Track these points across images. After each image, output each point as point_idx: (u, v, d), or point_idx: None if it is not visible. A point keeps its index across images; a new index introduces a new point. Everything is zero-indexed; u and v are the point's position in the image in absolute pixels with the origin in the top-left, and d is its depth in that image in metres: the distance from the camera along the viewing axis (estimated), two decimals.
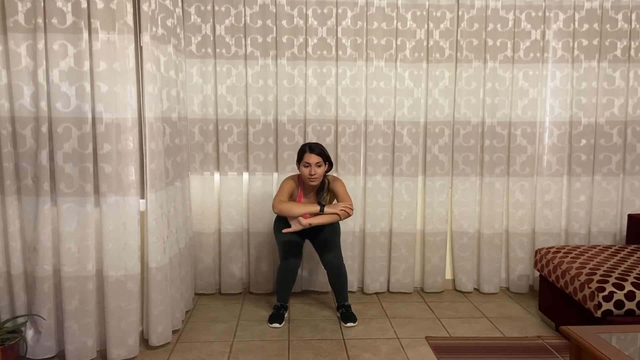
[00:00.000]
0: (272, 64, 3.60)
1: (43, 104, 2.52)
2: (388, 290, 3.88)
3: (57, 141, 2.55)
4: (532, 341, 3.00)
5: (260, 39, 3.57)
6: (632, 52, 3.68)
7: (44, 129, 2.53)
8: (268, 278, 3.78)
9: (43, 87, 2.51)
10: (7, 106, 2.57)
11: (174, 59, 3.09)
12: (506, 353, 2.83)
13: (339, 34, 3.59)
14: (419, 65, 3.65)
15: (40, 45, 2.49)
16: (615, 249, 3.29)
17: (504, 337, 3.08)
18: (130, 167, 2.62)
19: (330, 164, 3.22)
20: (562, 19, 3.65)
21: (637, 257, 3.09)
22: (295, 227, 3.13)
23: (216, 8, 3.53)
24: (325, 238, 3.28)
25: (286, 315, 3.38)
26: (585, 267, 2.90)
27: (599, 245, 3.41)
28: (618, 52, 3.67)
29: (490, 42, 3.65)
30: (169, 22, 2.97)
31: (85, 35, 2.52)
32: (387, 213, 3.77)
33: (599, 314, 2.65)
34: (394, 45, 3.63)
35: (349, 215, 3.15)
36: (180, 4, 3.25)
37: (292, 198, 3.25)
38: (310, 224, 3.11)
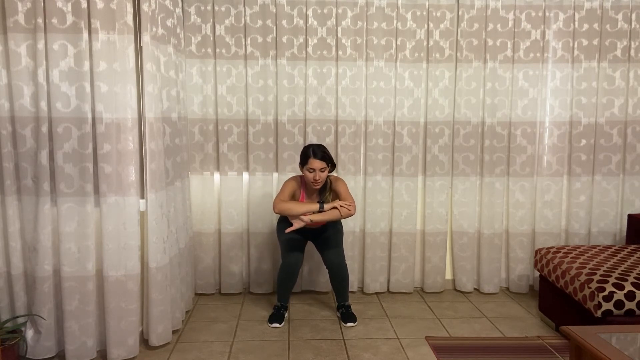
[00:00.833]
0: (272, 64, 3.60)
1: (43, 104, 2.52)
2: (388, 290, 3.88)
3: (57, 141, 2.55)
4: (532, 341, 3.00)
5: (260, 39, 3.57)
6: (632, 52, 3.68)
7: (44, 129, 2.53)
8: (268, 278, 3.78)
9: (43, 87, 2.51)
10: (7, 106, 2.57)
11: (174, 59, 3.09)
12: (506, 353, 2.83)
13: (339, 34, 3.59)
14: (419, 65, 3.65)
15: (40, 45, 2.49)
16: (615, 249, 3.29)
17: (504, 337, 3.08)
18: (130, 167, 2.62)
19: (333, 165, 3.21)
20: (562, 19, 3.65)
21: (637, 257, 3.09)
22: (297, 224, 3.12)
23: (216, 8, 3.53)
24: (328, 237, 3.28)
25: (286, 315, 3.38)
26: (585, 267, 2.90)
27: (599, 245, 3.41)
28: (618, 52, 3.67)
29: (490, 42, 3.65)
30: (169, 22, 2.97)
31: (85, 35, 2.52)
32: (387, 213, 3.77)
33: (599, 314, 2.65)
34: (394, 45, 3.63)
35: (350, 213, 3.13)
36: (180, 4, 3.25)
37: (294, 198, 3.24)
38: (311, 220, 3.10)
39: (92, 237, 2.63)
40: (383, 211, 3.75)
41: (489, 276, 3.83)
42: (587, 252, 3.21)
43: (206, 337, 3.06)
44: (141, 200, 2.75)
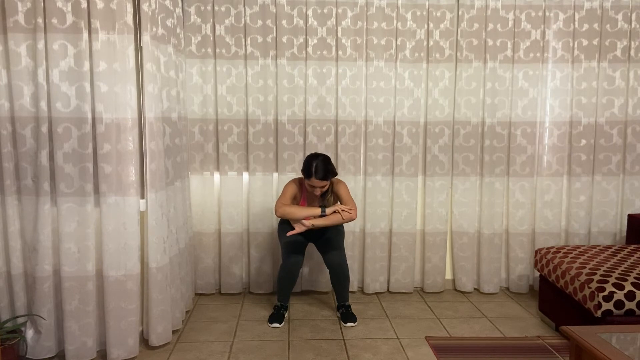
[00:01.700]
0: (272, 64, 3.60)
1: (43, 104, 2.52)
2: (388, 290, 3.88)
3: (57, 141, 2.55)
4: (532, 341, 3.00)
5: (260, 39, 3.57)
6: (632, 52, 3.68)
7: (44, 129, 2.53)
8: (268, 278, 3.78)
9: (43, 87, 2.51)
10: (7, 106, 2.57)
11: (174, 59, 3.09)
12: (506, 353, 2.83)
13: (339, 34, 3.59)
14: (419, 65, 3.65)
15: (40, 45, 2.49)
16: (615, 249, 3.29)
17: (504, 337, 3.08)
18: (130, 167, 2.62)
19: (335, 175, 3.19)
20: (562, 19, 3.65)
21: (637, 257, 3.09)
22: (298, 228, 3.13)
23: (216, 8, 3.53)
24: (329, 238, 3.29)
25: (286, 315, 3.38)
26: (585, 267, 2.90)
27: (599, 245, 3.40)
28: (618, 52, 3.67)
29: (490, 42, 3.65)
30: (169, 22, 2.97)
31: (85, 35, 2.52)
32: (387, 213, 3.77)
33: (599, 314, 2.65)
34: (394, 45, 3.63)
35: (351, 217, 3.13)
36: (180, 4, 3.25)
37: (295, 201, 3.25)
38: (313, 225, 3.11)
39: (92, 237, 2.63)
40: (383, 211, 3.75)
41: (489, 276, 3.83)
42: (587, 252, 3.21)
43: (206, 337, 3.06)
44: (141, 200, 2.75)
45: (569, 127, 3.75)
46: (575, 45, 3.67)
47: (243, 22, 3.56)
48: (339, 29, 3.58)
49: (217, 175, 3.72)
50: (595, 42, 3.65)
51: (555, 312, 3.15)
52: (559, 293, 3.10)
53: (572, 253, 3.20)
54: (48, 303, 2.64)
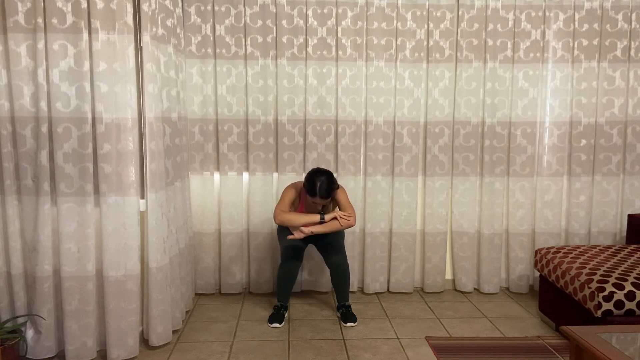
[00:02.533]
0: (272, 64, 3.60)
1: (43, 104, 2.52)
2: (388, 290, 3.88)
3: (57, 141, 2.55)
4: (532, 341, 3.00)
5: (260, 39, 3.57)
6: (632, 52, 3.68)
7: (44, 129, 2.53)
8: (268, 278, 3.78)
9: (43, 87, 2.51)
10: (7, 106, 2.57)
11: (174, 59, 3.09)
12: (506, 353, 2.83)
13: (339, 34, 3.59)
14: (419, 65, 3.65)
15: (40, 45, 2.49)
16: (615, 249, 3.29)
17: (504, 337, 3.08)
18: (130, 167, 2.62)
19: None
20: (562, 19, 3.65)
21: (637, 257, 3.09)
22: (297, 235, 3.16)
23: (216, 8, 3.53)
24: (330, 241, 3.30)
25: (286, 315, 3.38)
26: (585, 267, 2.89)
27: (599, 245, 3.40)
28: (618, 52, 3.67)
29: (490, 42, 3.65)
30: (169, 22, 2.97)
31: (85, 35, 2.52)
32: (387, 213, 3.77)
33: (599, 314, 2.65)
34: (394, 45, 3.63)
35: (349, 224, 3.16)
36: (180, 4, 3.25)
37: (293, 206, 3.26)
38: (312, 232, 3.13)
39: (92, 237, 2.63)
40: (383, 211, 3.75)
41: (489, 276, 3.83)
42: (587, 252, 3.20)
43: (206, 337, 3.06)
44: (141, 200, 2.75)
45: (569, 127, 3.75)
46: (575, 45, 3.67)
47: (243, 22, 3.56)
48: (339, 29, 3.58)
49: (217, 175, 3.72)
50: (595, 42, 3.65)
51: (555, 312, 3.15)
52: (559, 293, 3.10)
53: (572, 253, 3.20)
54: (48, 303, 2.64)
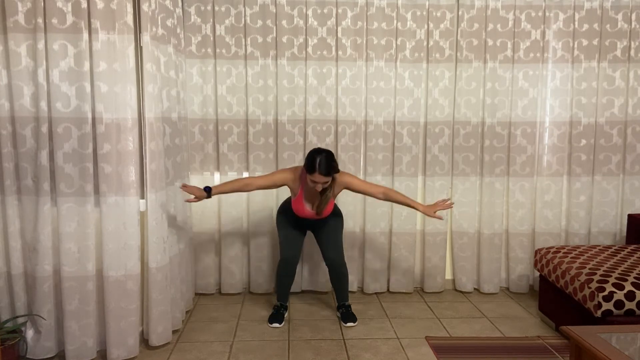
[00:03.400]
0: (272, 64, 3.60)
1: (43, 104, 2.52)
2: (388, 290, 3.88)
3: (57, 141, 2.55)
4: (532, 341, 3.00)
5: (260, 39, 3.57)
6: (632, 52, 3.68)
7: (44, 129, 2.53)
8: (268, 278, 3.78)
9: (43, 87, 2.51)
10: (7, 106, 2.57)
11: (174, 59, 3.09)
12: (506, 353, 2.83)
13: (339, 34, 3.59)
14: (419, 65, 3.65)
15: (40, 45, 2.49)
16: (615, 249, 3.29)
17: (504, 337, 3.08)
18: (130, 167, 2.62)
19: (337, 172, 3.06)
20: (562, 19, 3.65)
21: (637, 257, 3.09)
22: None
23: (216, 8, 3.53)
24: (328, 232, 3.24)
25: (286, 315, 3.38)
26: (585, 267, 2.89)
27: (599, 245, 3.40)
28: (618, 52, 3.67)
29: (490, 42, 3.65)
30: (169, 22, 2.97)
31: (85, 35, 2.52)
32: (387, 213, 3.77)
33: (599, 314, 2.65)
34: (394, 45, 3.63)
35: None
36: (180, 4, 3.25)
37: (292, 192, 3.17)
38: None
39: (92, 237, 2.63)
40: (383, 211, 3.75)
41: (489, 276, 3.83)
42: (587, 252, 3.20)
43: (206, 337, 3.06)
44: (141, 200, 2.74)
45: (569, 127, 3.75)
46: (575, 45, 3.67)
47: (243, 22, 3.56)
48: (339, 29, 3.58)
49: (217, 175, 3.72)
50: (595, 42, 3.65)
51: (555, 312, 3.15)
52: (559, 293, 3.10)
53: (572, 253, 3.20)
54: (48, 303, 2.64)
